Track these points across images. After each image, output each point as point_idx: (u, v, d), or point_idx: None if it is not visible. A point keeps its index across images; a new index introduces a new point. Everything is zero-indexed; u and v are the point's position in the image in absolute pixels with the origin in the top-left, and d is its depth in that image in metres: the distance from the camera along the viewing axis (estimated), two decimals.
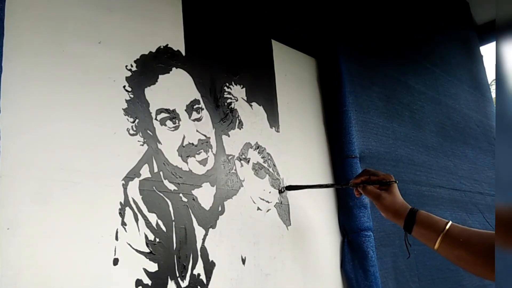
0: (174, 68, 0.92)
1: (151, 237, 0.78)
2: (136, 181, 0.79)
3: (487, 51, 2.45)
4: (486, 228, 1.61)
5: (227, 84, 1.04)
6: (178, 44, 0.94)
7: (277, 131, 1.14)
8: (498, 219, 0.45)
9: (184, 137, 0.90)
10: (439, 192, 1.64)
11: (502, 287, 0.40)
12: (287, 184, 1.12)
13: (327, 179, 1.27)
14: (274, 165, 1.10)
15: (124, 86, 0.81)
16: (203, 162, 0.92)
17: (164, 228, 0.81)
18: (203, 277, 0.85)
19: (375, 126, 1.42)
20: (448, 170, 1.76)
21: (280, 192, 1.09)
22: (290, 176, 1.14)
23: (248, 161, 1.03)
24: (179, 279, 0.80)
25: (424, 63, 1.87)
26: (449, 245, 0.88)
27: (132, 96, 0.82)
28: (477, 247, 0.85)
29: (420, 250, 1.43)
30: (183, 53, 0.95)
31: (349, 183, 1.05)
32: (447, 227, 0.89)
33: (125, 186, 0.77)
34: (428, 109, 1.77)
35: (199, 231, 0.87)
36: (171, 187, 0.84)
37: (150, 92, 0.86)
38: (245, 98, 1.07)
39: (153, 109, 0.86)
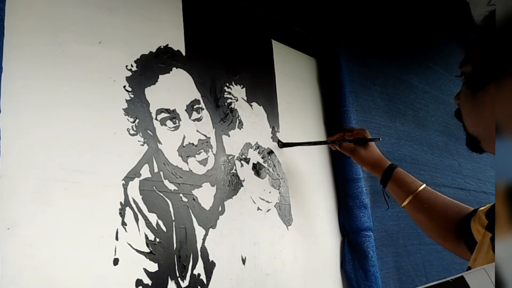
0: (174, 68, 0.92)
1: (151, 237, 0.78)
2: (136, 181, 0.79)
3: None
4: None
5: (227, 84, 1.04)
6: (178, 44, 0.94)
7: (277, 131, 1.14)
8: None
9: (184, 137, 0.90)
10: (444, 191, 1.63)
11: (505, 273, 0.40)
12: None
13: (327, 179, 1.27)
14: (274, 165, 1.10)
15: (124, 86, 0.81)
16: (203, 162, 0.92)
17: (164, 228, 0.81)
18: (203, 277, 0.85)
19: (377, 125, 1.42)
20: (453, 169, 1.75)
21: (279, 146, 1.12)
22: (291, 176, 1.14)
23: (248, 161, 1.03)
24: (179, 279, 0.80)
25: (426, 62, 1.87)
26: (414, 207, 0.94)
27: (132, 96, 0.82)
28: (437, 215, 0.91)
29: (427, 250, 1.43)
30: (183, 53, 0.95)
31: (327, 140, 1.09)
32: (418, 190, 0.94)
33: (125, 186, 0.77)
34: (431, 108, 1.77)
35: (199, 231, 0.87)
36: (171, 187, 0.84)
37: (150, 92, 0.86)
38: (245, 98, 1.07)
39: (153, 109, 0.86)
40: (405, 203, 0.94)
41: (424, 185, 0.94)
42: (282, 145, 1.13)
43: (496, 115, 0.56)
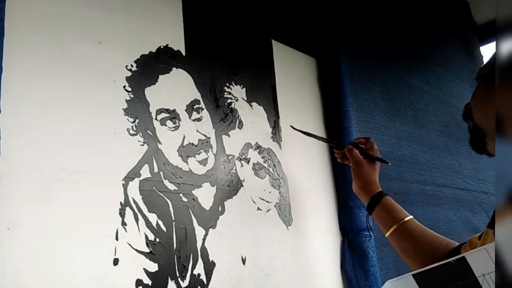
0: (174, 68, 0.92)
1: (151, 237, 0.78)
2: (136, 181, 0.79)
3: (487, 51, 2.45)
4: None
5: (227, 84, 1.04)
6: (178, 44, 0.94)
7: (279, 131, 1.14)
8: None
9: (184, 137, 0.90)
10: (444, 192, 1.64)
11: (505, 258, 0.40)
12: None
13: (327, 179, 1.27)
14: (274, 165, 1.10)
15: (124, 86, 0.81)
16: (203, 162, 0.92)
17: (164, 228, 0.81)
18: (203, 277, 0.85)
19: (377, 125, 1.42)
20: (453, 169, 1.75)
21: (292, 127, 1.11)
22: (291, 176, 1.14)
23: (248, 161, 1.03)
24: (179, 279, 0.80)
25: (426, 62, 1.87)
26: (400, 235, 0.91)
27: (132, 96, 0.82)
28: (424, 245, 0.88)
29: None
30: (183, 53, 0.95)
31: (342, 143, 1.06)
32: (406, 219, 0.91)
33: (125, 186, 0.77)
34: (431, 108, 1.77)
35: (199, 231, 0.87)
36: (171, 187, 0.84)
37: (150, 92, 0.86)
38: (245, 98, 1.07)
39: (153, 109, 0.86)
40: (392, 229, 0.91)
41: (412, 216, 0.92)
42: (293, 128, 1.11)
43: (499, 109, 0.57)
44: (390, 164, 1.00)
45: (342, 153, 1.05)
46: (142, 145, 0.82)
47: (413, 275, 0.51)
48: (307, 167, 1.21)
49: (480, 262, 0.46)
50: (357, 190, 1.00)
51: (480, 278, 0.46)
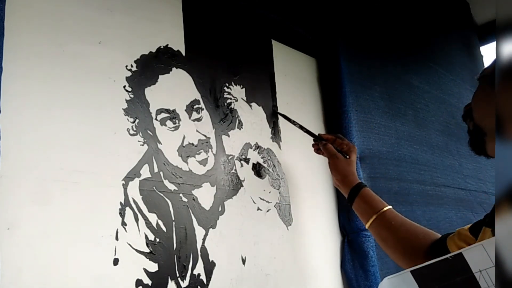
0: (174, 68, 0.92)
1: (151, 237, 0.78)
2: (136, 181, 0.79)
3: (487, 51, 2.45)
4: None
5: (227, 84, 1.04)
6: (178, 44, 0.94)
7: (279, 131, 1.14)
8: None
9: (184, 137, 0.90)
10: (444, 191, 1.64)
11: (505, 255, 0.40)
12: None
13: (327, 179, 1.27)
14: (274, 165, 1.10)
15: (124, 86, 0.81)
16: (203, 162, 0.92)
17: (164, 228, 0.81)
18: (203, 277, 0.85)
19: (377, 125, 1.42)
20: (453, 169, 1.75)
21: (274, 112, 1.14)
22: (291, 176, 1.14)
23: (248, 161, 1.03)
24: (179, 279, 0.80)
25: (426, 62, 1.86)
26: (379, 225, 0.92)
27: (132, 96, 0.82)
28: (404, 233, 0.89)
29: None
30: (183, 53, 0.95)
31: (318, 134, 1.09)
32: (385, 209, 0.92)
33: (125, 186, 0.77)
34: (432, 108, 1.77)
35: (199, 231, 0.87)
36: (171, 187, 0.84)
37: (150, 92, 0.86)
38: (245, 98, 1.07)
39: (153, 109, 0.86)
40: (371, 220, 0.92)
41: (391, 206, 0.93)
42: (276, 112, 1.14)
43: (499, 110, 0.57)
44: (347, 159, 1.03)
45: (318, 147, 1.09)
46: (142, 145, 0.82)
47: (411, 271, 0.51)
48: (307, 167, 1.21)
49: (477, 258, 0.46)
50: (337, 183, 1.03)
51: (477, 274, 0.46)
